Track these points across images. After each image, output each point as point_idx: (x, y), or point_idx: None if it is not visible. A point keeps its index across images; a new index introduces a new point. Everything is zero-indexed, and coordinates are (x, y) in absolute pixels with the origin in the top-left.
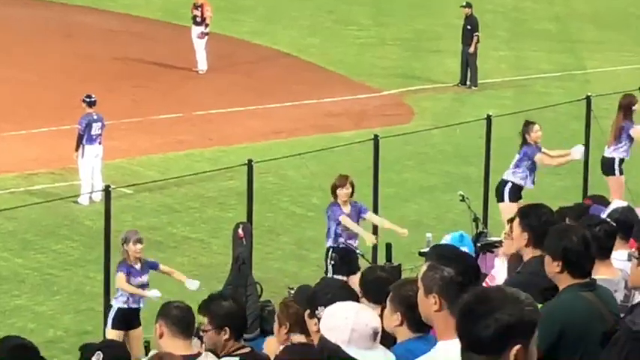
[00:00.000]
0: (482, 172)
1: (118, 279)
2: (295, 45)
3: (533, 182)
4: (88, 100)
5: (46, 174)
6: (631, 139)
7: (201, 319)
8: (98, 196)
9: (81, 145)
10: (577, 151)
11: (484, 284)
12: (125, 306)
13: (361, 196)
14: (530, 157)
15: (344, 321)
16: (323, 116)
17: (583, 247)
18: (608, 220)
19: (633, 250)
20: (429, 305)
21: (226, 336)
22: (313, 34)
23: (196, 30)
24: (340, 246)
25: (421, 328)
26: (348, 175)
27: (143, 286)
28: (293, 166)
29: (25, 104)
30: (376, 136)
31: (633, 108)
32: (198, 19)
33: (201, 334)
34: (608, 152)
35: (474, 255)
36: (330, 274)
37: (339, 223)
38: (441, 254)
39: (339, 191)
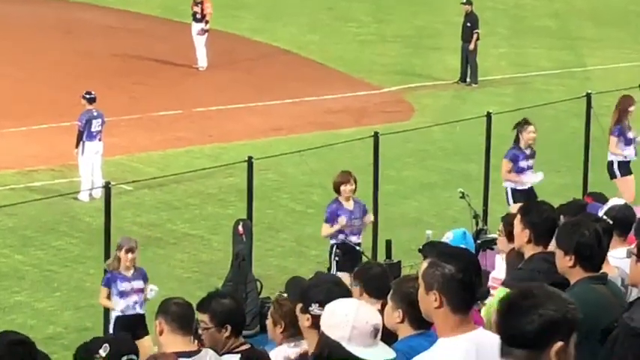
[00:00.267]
0: (483, 170)
1: (100, 293)
2: (295, 42)
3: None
4: (87, 96)
5: (46, 170)
6: (629, 140)
7: (200, 317)
8: (98, 193)
9: (81, 142)
10: (536, 177)
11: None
12: (120, 314)
13: (361, 193)
14: (511, 160)
15: (344, 318)
16: (323, 113)
17: (595, 241)
18: (605, 217)
19: (632, 246)
20: (429, 302)
21: (227, 333)
22: (313, 31)
23: (196, 27)
24: (345, 242)
25: (422, 324)
26: (351, 172)
27: (135, 291)
28: (293, 163)
29: (24, 101)
30: (376, 133)
31: (630, 109)
32: (199, 16)
33: (199, 331)
34: (608, 156)
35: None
36: (333, 271)
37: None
38: (442, 251)
39: (342, 187)
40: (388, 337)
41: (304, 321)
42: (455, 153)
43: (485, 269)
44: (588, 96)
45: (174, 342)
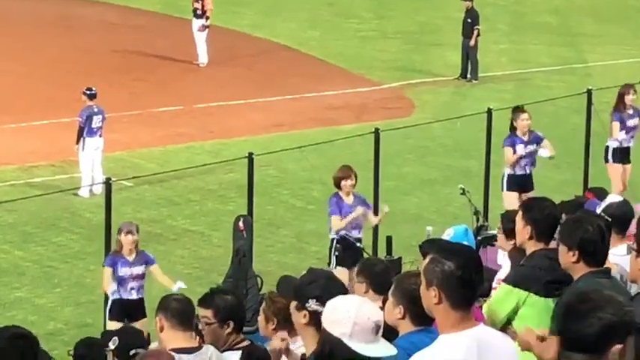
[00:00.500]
0: (483, 166)
1: (104, 273)
2: (295, 38)
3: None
4: (88, 92)
5: (47, 166)
6: (628, 128)
7: (203, 313)
8: (98, 189)
9: (81, 138)
10: (544, 151)
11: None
12: (117, 296)
13: (361, 189)
14: (510, 145)
15: (346, 314)
16: (323, 109)
17: (599, 236)
18: (603, 214)
19: (632, 242)
20: (429, 298)
21: (229, 330)
22: (313, 27)
23: (197, 23)
24: (345, 238)
25: (423, 321)
26: (351, 166)
27: (134, 277)
28: (293, 159)
29: (25, 97)
30: (377, 129)
31: (626, 97)
32: (199, 12)
33: (200, 327)
34: (607, 140)
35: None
36: (333, 265)
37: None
38: (443, 247)
39: (343, 182)
40: (388, 333)
41: (300, 318)
42: (455, 149)
43: (486, 265)
44: (589, 92)
45: (175, 338)
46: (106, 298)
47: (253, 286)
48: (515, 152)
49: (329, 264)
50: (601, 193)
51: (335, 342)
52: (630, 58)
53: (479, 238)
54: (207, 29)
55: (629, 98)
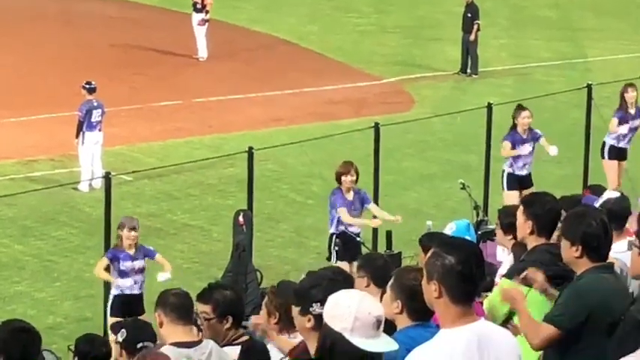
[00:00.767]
0: (483, 160)
1: (98, 263)
2: (295, 32)
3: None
4: (88, 86)
5: (46, 161)
6: (629, 129)
7: (202, 308)
8: (98, 183)
9: (81, 132)
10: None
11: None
12: (118, 292)
13: (361, 183)
14: (511, 142)
15: (347, 309)
16: (323, 104)
17: (602, 231)
18: (603, 209)
19: (634, 238)
20: (430, 292)
21: (228, 325)
22: (313, 21)
23: (196, 17)
24: (345, 232)
25: (421, 316)
26: (352, 162)
27: (136, 271)
28: (293, 154)
29: (24, 91)
30: (377, 123)
31: (625, 96)
32: (199, 6)
33: (198, 322)
34: (605, 136)
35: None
36: (333, 260)
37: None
38: (445, 241)
39: (343, 178)
40: (386, 326)
41: (305, 323)
42: (455, 144)
43: (486, 260)
44: (589, 87)
45: (175, 332)
46: (106, 292)
47: (253, 281)
48: (514, 149)
49: (329, 259)
50: (598, 190)
51: (336, 337)
52: (630, 53)
53: (479, 232)
54: (206, 23)
55: (628, 95)
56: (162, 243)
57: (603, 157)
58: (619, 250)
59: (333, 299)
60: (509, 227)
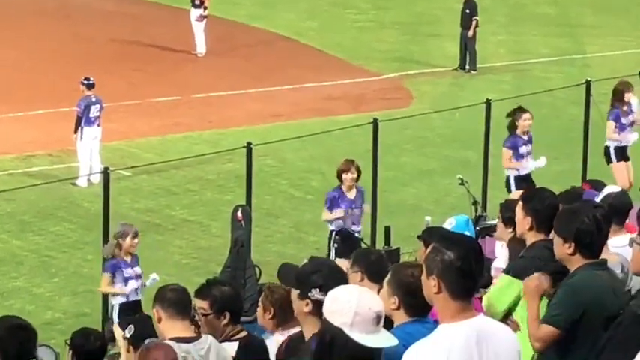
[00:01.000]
0: (482, 156)
1: (103, 280)
2: (294, 28)
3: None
4: (86, 82)
5: (45, 156)
6: (623, 126)
7: (199, 304)
8: (96, 179)
9: (79, 128)
10: (539, 162)
11: (493, 271)
12: (123, 299)
13: (360, 179)
14: (511, 147)
15: (347, 304)
16: (322, 99)
17: (595, 227)
18: (602, 203)
19: (635, 235)
20: (429, 287)
21: (225, 321)
22: (312, 17)
23: (195, 12)
24: (344, 229)
25: (418, 312)
26: (354, 160)
27: (139, 276)
28: (292, 149)
29: (22, 86)
30: (375, 119)
31: (626, 95)
32: (197, 2)
33: (196, 317)
34: (606, 141)
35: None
36: (332, 257)
37: (338, 207)
38: (445, 236)
39: (344, 176)
40: (385, 322)
41: (302, 307)
42: (454, 140)
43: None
44: (587, 83)
45: (173, 328)
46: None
47: (251, 276)
48: (516, 154)
49: (328, 255)
50: (597, 185)
51: (336, 332)
52: (629, 49)
53: (477, 228)
54: (205, 19)
55: (627, 95)
56: (161, 238)
57: (610, 162)
58: (619, 245)
59: (333, 294)
60: (510, 221)
